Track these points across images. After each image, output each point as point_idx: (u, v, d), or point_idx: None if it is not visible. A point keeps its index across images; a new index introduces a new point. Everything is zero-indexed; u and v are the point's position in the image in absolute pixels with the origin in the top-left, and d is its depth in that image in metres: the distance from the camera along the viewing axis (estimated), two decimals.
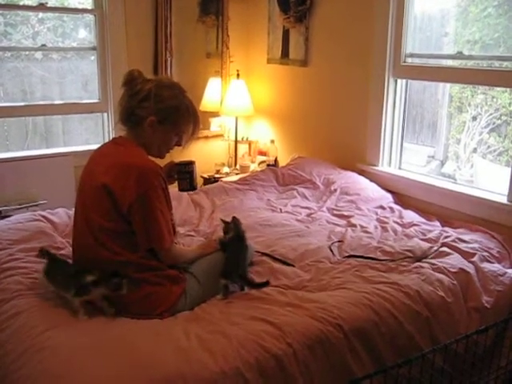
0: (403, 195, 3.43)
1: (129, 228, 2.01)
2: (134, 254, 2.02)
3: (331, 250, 2.59)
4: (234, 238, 2.26)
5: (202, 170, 4.26)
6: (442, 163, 4.18)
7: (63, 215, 2.86)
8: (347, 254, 2.54)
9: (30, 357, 1.71)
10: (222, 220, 2.38)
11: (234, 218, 2.34)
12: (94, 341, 1.77)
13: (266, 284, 2.13)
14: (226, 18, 4.44)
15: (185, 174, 2.44)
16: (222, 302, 2.09)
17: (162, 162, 2.22)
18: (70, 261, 2.18)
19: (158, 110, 2.10)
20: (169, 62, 4.19)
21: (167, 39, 4.14)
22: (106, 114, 4.12)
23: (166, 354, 1.70)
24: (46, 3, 3.78)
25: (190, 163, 2.46)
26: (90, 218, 2.04)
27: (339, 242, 2.71)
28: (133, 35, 4.04)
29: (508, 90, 3.43)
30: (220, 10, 4.43)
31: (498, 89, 3.50)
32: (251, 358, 1.73)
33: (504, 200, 2.92)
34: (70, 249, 2.32)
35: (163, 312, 2.01)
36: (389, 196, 3.41)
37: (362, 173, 3.62)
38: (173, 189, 2.49)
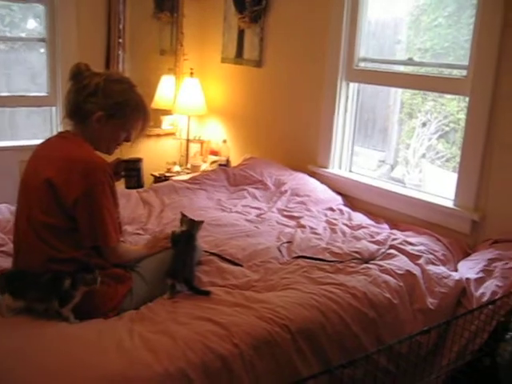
0: (353, 198, 3.47)
1: (72, 224, 1.95)
2: (77, 252, 1.96)
3: (280, 251, 2.59)
4: (184, 235, 2.22)
5: (152, 169, 4.21)
6: (392, 167, 4.24)
7: (5, 211, 2.78)
8: (296, 255, 2.55)
9: None
10: (181, 213, 2.35)
11: (184, 216, 2.32)
12: (34, 341, 1.72)
13: (208, 293, 2.10)
14: (181, 16, 4.40)
15: (132, 171, 2.39)
16: (168, 302, 2.06)
17: (109, 159, 2.17)
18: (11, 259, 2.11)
19: (106, 105, 2.05)
20: (121, 57, 4.12)
21: (120, 34, 4.07)
22: (54, 108, 4.01)
23: (108, 354, 1.66)
24: None
25: (138, 160, 2.41)
26: (32, 214, 1.97)
27: (288, 242, 2.71)
28: (84, 28, 3.94)
29: (456, 97, 3.51)
30: (175, 7, 4.38)
31: (448, 96, 3.58)
32: (196, 359, 1.71)
33: (450, 204, 2.98)
34: (11, 245, 2.25)
35: (107, 311, 1.97)
36: (339, 198, 3.44)
37: (313, 174, 3.64)
38: (120, 186, 2.44)
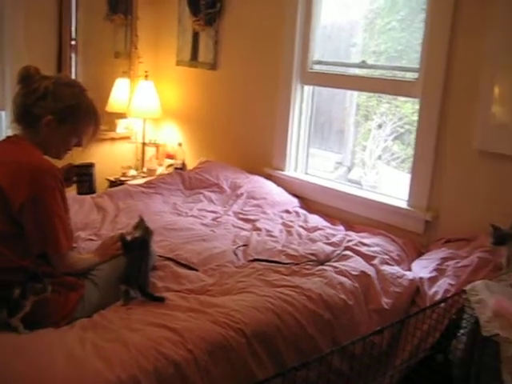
0: (309, 200, 3.48)
1: (19, 231, 1.90)
2: (24, 260, 1.91)
3: (236, 254, 2.58)
4: (137, 241, 2.18)
5: (107, 173, 4.14)
6: (349, 169, 4.28)
7: None
8: (252, 258, 2.54)
9: None
10: (140, 217, 2.33)
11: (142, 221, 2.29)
12: None
13: (162, 299, 2.07)
14: (134, 18, 4.35)
15: (84, 176, 2.34)
16: (122, 309, 2.02)
17: (60, 164, 2.12)
18: None
19: (56, 109, 2.01)
20: (73, 60, 4.04)
21: (72, 36, 3.99)
22: (2, 112, 3.89)
23: (57, 363, 1.62)
24: None
25: (90, 165, 2.36)
26: None
27: (244, 245, 2.70)
28: (34, 30, 3.83)
29: (410, 100, 3.56)
30: (129, 9, 4.33)
31: (402, 99, 3.63)
32: (149, 365, 1.67)
33: (404, 205, 3.03)
34: None
35: (59, 320, 1.92)
36: (295, 200, 3.44)
37: (269, 177, 3.64)
38: (71, 192, 2.39)
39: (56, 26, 3.96)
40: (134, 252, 2.15)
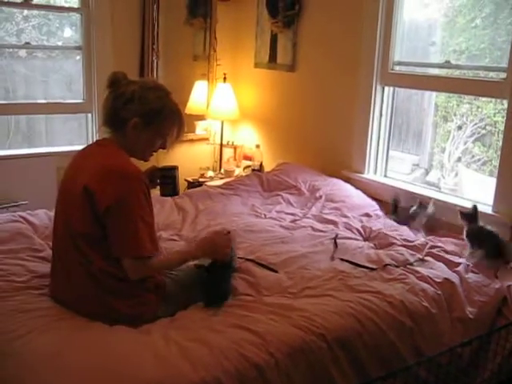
0: (388, 203, 3.41)
1: (105, 233, 1.94)
2: (109, 262, 1.95)
3: (336, 243, 2.65)
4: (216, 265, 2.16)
5: (186, 174, 4.22)
6: (427, 171, 4.19)
7: (43, 217, 2.81)
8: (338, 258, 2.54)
9: (4, 362, 1.68)
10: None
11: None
12: (68, 347, 1.73)
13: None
14: (214, 21, 4.41)
15: (167, 178, 2.39)
16: (203, 309, 2.05)
17: (144, 167, 2.18)
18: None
19: (142, 112, 2.05)
20: (155, 63, 4.15)
21: (154, 40, 4.10)
22: (90, 115, 4.06)
23: (145, 361, 1.67)
24: (32, 0, 3.72)
25: (174, 168, 2.41)
26: (69, 221, 1.98)
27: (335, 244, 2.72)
28: (119, 36, 3.99)
29: (493, 100, 3.44)
30: (208, 13, 4.40)
31: (483, 99, 3.51)
32: (232, 368, 1.69)
33: (489, 210, 2.92)
34: (50, 251, 2.28)
35: (143, 319, 1.96)
36: (374, 204, 3.39)
37: (347, 180, 3.60)
38: (154, 193, 2.44)
39: (139, 31, 4.09)
40: (218, 273, 2.14)
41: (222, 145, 4.48)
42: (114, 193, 1.91)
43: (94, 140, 2.22)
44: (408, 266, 2.46)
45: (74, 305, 1.97)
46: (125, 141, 2.08)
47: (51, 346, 1.73)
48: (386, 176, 3.61)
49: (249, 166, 4.26)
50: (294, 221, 3.11)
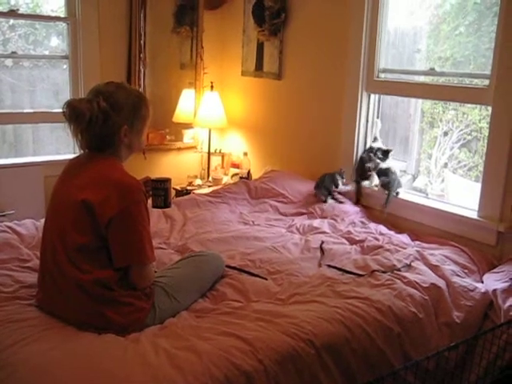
0: (375, 209, 3.44)
1: (103, 244, 1.95)
2: (102, 272, 1.95)
3: (322, 250, 2.65)
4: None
5: (174, 182, 4.14)
6: (414, 177, 4.21)
7: (31, 226, 2.79)
8: (326, 263, 2.56)
9: None
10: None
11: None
12: (57, 357, 1.72)
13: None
14: (200, 30, 4.43)
15: (160, 190, 2.39)
16: (192, 316, 2.07)
17: (138, 176, 2.17)
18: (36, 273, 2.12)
19: (125, 117, 2.06)
20: (142, 72, 4.17)
21: (141, 49, 4.12)
22: None
23: (134, 370, 1.66)
24: (18, 10, 3.72)
25: (166, 180, 2.41)
26: (65, 234, 1.96)
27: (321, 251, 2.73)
28: (106, 45, 3.99)
29: (478, 106, 3.48)
30: (195, 22, 4.42)
31: (469, 105, 3.55)
32: (221, 375, 1.69)
33: (474, 215, 2.94)
34: (37, 261, 2.27)
35: (130, 327, 1.95)
36: (358, 210, 3.41)
37: None
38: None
39: (126, 40, 4.10)
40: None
41: (209, 153, 4.49)
42: (118, 205, 1.92)
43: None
44: (395, 272, 2.48)
45: (63, 314, 1.97)
46: (119, 151, 2.09)
47: (40, 356, 1.72)
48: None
49: (237, 174, 4.27)
50: (281, 228, 3.12)
